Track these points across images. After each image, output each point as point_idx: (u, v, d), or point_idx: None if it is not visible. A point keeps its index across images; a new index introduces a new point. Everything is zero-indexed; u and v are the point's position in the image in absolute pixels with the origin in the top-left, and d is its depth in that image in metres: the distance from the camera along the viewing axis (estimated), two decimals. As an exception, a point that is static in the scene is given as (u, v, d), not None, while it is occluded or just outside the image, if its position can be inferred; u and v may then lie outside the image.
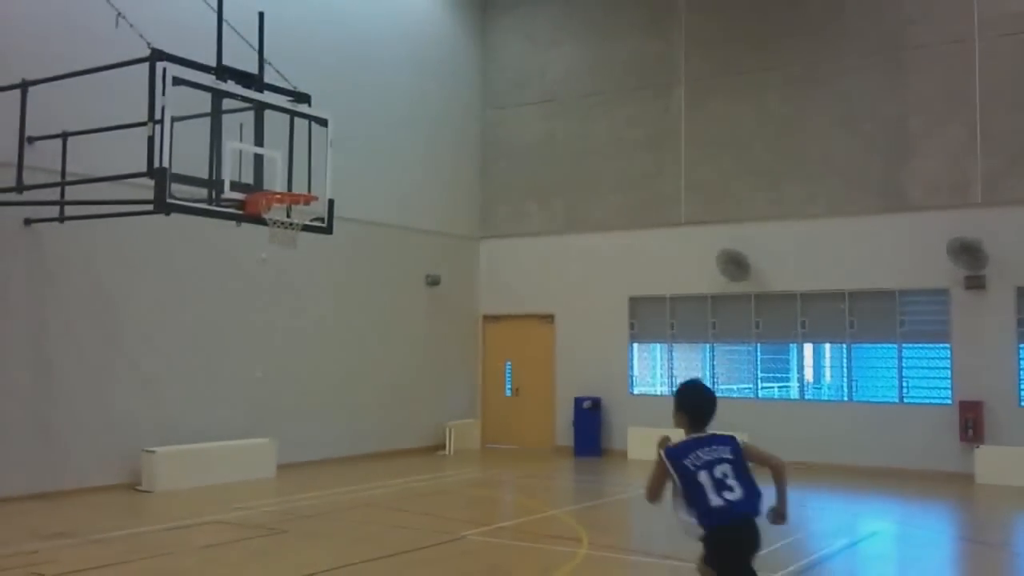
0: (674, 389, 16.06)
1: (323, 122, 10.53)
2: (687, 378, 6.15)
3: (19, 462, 11.83)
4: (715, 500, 5.11)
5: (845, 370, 16.10)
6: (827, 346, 16.87)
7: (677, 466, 5.21)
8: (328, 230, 10.72)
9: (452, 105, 19.00)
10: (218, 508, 11.40)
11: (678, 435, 5.44)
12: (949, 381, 14.97)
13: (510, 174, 19.28)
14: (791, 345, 16.87)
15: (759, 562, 5.24)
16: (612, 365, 17.78)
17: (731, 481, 5.20)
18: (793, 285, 16.25)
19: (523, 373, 19.00)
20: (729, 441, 5.40)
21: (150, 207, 9.33)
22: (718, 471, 5.18)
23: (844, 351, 16.12)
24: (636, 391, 17.74)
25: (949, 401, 14.91)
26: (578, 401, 17.65)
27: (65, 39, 12.08)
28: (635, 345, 17.83)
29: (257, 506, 11.58)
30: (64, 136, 11.15)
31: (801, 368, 16.84)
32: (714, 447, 5.38)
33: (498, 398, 19.22)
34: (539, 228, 18.86)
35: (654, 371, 17.84)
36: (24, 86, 10.30)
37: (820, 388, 17.12)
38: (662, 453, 5.29)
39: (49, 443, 12.15)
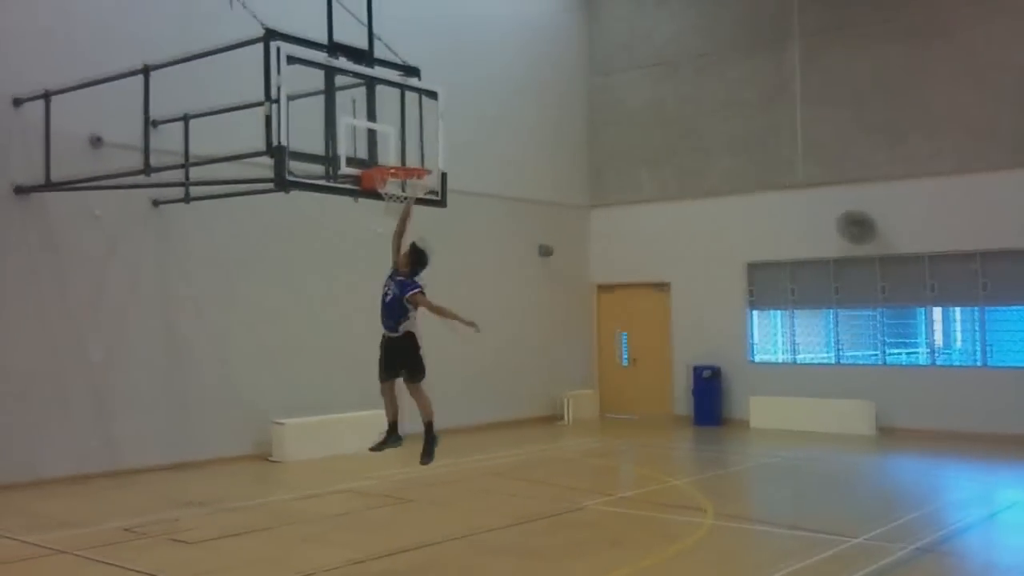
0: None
1: (433, 95, 10.51)
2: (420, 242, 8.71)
3: (156, 434, 12.37)
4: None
5: (978, 334, 15.39)
6: (957, 310, 16.13)
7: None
8: (442, 203, 10.72)
9: (559, 73, 18.84)
10: (346, 478, 11.66)
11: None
12: (1093, 343, 14.19)
13: (619, 141, 19.03)
14: (919, 309, 16.22)
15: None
16: (731, 333, 17.43)
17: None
18: (920, 247, 15.60)
19: (639, 342, 18.82)
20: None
21: (270, 185, 9.49)
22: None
23: (976, 314, 15.41)
24: (757, 359, 17.37)
25: (1093, 364, 14.13)
26: (697, 370, 17.39)
27: (182, 23, 12.42)
28: (754, 312, 17.44)
29: (383, 476, 11.78)
30: (186, 118, 11.46)
31: (930, 333, 16.17)
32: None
33: (614, 367, 19.10)
34: (651, 195, 18.57)
35: (774, 338, 17.43)
36: (146, 71, 10.59)
37: (951, 353, 16.41)
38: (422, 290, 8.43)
39: (184, 416, 12.64)
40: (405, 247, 8.68)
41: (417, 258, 8.59)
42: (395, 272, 8.59)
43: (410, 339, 8.56)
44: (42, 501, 10.35)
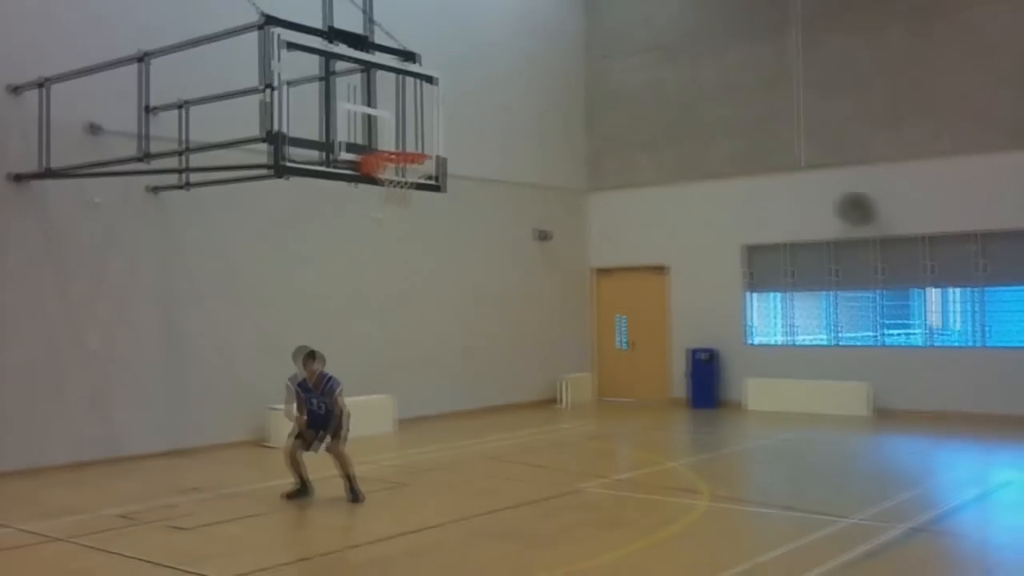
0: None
1: (432, 80, 10.52)
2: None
3: (156, 421, 12.44)
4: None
5: (976, 315, 15.43)
6: (954, 290, 16.17)
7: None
8: (441, 188, 10.75)
9: (557, 58, 18.82)
10: (342, 462, 11.69)
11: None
12: (1090, 324, 14.22)
13: (618, 125, 19.01)
14: (915, 291, 16.25)
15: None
16: (728, 315, 17.48)
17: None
18: (919, 228, 15.63)
19: (636, 325, 18.87)
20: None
21: (268, 171, 9.52)
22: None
23: (974, 295, 15.44)
24: (754, 341, 17.42)
25: (1090, 345, 14.17)
26: (693, 353, 17.44)
27: (179, 10, 12.41)
28: (752, 295, 17.48)
29: (379, 460, 11.86)
30: (183, 105, 11.47)
31: (928, 314, 16.20)
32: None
33: (612, 351, 19.16)
34: (649, 179, 18.57)
35: (772, 320, 17.48)
36: (144, 58, 10.59)
37: (948, 334, 16.44)
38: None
39: (180, 402, 12.71)
40: (294, 417, 9.68)
41: (314, 358, 9.64)
42: (307, 388, 9.65)
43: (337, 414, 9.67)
44: (40, 489, 10.42)
